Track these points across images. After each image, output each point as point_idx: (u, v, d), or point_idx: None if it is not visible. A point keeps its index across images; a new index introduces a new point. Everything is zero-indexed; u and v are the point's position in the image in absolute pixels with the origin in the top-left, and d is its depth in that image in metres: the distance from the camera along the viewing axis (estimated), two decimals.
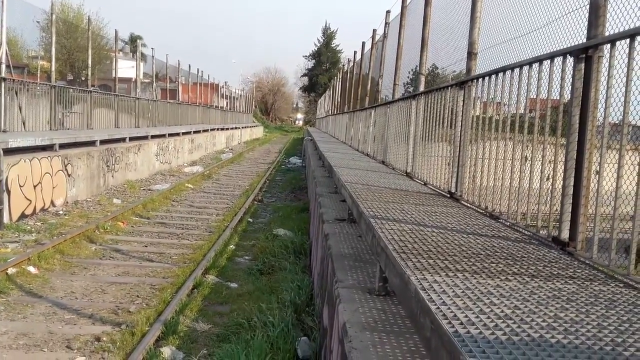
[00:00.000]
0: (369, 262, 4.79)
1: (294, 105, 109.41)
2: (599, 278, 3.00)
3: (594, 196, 3.40)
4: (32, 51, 27.42)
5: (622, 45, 3.13)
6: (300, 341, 5.69)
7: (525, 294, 2.58)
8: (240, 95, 61.39)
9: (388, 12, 14.08)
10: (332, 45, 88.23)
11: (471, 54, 5.95)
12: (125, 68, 28.15)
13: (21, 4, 16.84)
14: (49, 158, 12.63)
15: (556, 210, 3.80)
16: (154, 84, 27.76)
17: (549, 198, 3.96)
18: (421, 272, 2.82)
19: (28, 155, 11.94)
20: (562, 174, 3.66)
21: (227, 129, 42.26)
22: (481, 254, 3.36)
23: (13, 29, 20.41)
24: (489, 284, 2.72)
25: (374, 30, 17.15)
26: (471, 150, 5.65)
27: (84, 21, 25.82)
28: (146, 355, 5.66)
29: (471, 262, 3.14)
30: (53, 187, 12.75)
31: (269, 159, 33.49)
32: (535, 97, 4.17)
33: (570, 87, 3.65)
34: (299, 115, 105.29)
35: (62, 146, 13.76)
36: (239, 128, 48.90)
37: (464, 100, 5.84)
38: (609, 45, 3.24)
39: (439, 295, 2.45)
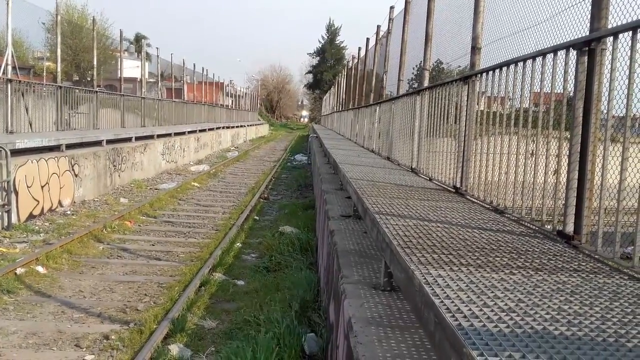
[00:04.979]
0: (374, 257, 4.80)
1: (299, 103, 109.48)
2: (603, 271, 3.01)
3: (598, 189, 3.40)
4: (37, 52, 27.53)
5: (625, 37, 3.12)
6: (308, 337, 5.71)
7: (529, 287, 2.59)
8: (246, 94, 61.44)
9: (392, 8, 14.06)
10: (337, 42, 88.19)
11: (475, 49, 5.95)
12: (131, 68, 28.29)
13: (26, 6, 16.89)
14: (56, 158, 12.70)
15: (561, 204, 3.80)
16: (159, 84, 27.81)
17: (553, 192, 3.95)
18: (425, 267, 2.83)
19: (35, 155, 12.02)
20: (567, 167, 3.65)
21: (233, 127, 42.33)
22: (485, 248, 3.37)
23: (19, 31, 20.47)
24: (493, 277, 2.73)
25: (378, 27, 17.11)
26: (476, 145, 5.65)
27: (89, 22, 25.97)
28: (154, 353, 5.71)
29: (475, 256, 3.15)
30: (60, 188, 12.83)
31: (274, 156, 33.52)
32: (539, 90, 4.17)
33: (573, 81, 3.65)
34: (304, 113, 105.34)
35: (69, 146, 13.85)
36: (245, 126, 48.98)
37: (468, 95, 5.85)
38: (611, 38, 3.23)
39: (442, 289, 2.46)
